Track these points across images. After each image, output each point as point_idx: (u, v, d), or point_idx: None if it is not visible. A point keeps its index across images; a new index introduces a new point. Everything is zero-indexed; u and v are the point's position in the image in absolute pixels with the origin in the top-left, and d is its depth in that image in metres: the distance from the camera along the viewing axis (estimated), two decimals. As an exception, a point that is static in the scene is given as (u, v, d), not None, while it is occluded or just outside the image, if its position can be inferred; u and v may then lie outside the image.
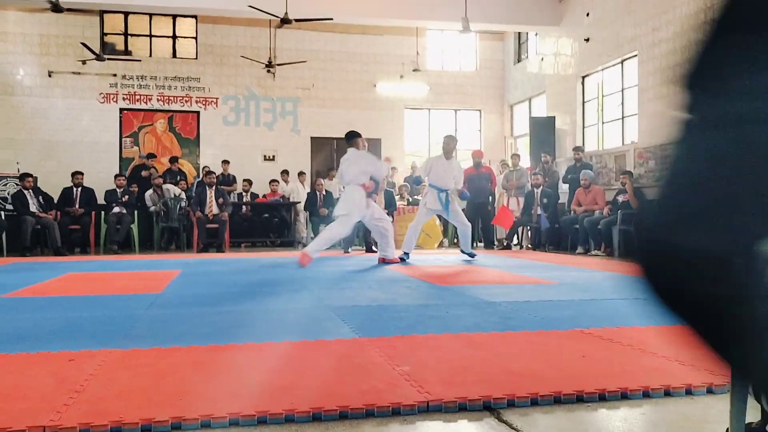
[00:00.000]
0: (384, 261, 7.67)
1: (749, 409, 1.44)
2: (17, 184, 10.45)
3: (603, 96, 11.27)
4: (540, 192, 10.69)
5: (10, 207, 10.36)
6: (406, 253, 8.06)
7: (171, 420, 1.78)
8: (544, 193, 10.68)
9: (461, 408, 1.94)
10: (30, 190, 10.05)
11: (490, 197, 11.67)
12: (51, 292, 4.84)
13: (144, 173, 11.74)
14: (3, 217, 10.10)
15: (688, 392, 2.09)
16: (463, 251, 8.41)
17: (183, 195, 11.36)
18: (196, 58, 13.78)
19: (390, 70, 14.58)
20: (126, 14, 13.48)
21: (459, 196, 8.65)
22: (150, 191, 11.18)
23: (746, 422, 1.47)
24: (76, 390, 2.06)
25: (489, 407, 1.96)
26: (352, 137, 7.67)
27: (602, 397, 2.04)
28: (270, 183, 12.53)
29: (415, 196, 12.48)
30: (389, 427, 1.80)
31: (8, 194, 10.74)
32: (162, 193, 11.18)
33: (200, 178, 12.16)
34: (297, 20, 10.24)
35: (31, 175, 10.28)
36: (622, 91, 10.60)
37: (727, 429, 1.47)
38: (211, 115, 13.83)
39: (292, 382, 2.18)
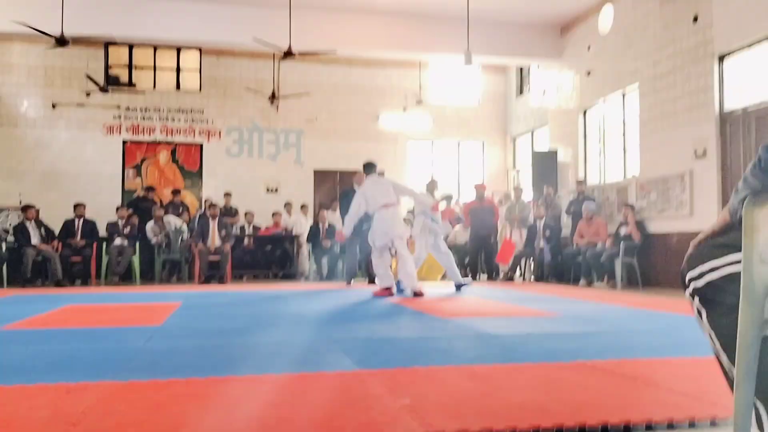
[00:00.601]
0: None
1: (753, 442, 1.42)
2: (19, 216, 10.48)
3: (604, 129, 11.33)
4: (543, 224, 10.70)
5: (11, 239, 10.37)
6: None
7: (167, 452, 1.76)
8: (547, 226, 10.68)
9: (462, 441, 1.92)
10: (32, 222, 10.08)
11: (494, 229, 11.66)
12: (50, 325, 4.82)
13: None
14: (4, 249, 10.11)
15: (692, 425, 2.07)
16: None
17: (184, 227, 11.37)
18: (200, 90, 13.92)
19: (393, 102, 14.70)
20: (131, 47, 13.66)
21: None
22: (151, 223, 11.19)
23: (751, 455, 1.45)
24: (72, 423, 2.04)
25: (490, 440, 1.93)
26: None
27: (605, 430, 2.01)
28: (273, 215, 12.56)
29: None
30: (388, 461, 1.77)
31: (10, 225, 10.77)
32: (163, 224, 11.20)
33: (203, 210, 12.18)
34: (300, 53, 10.36)
35: (33, 207, 10.30)
36: (624, 123, 10.66)
37: (732, 462, 1.44)
38: (214, 147, 13.91)
39: (291, 415, 2.15)
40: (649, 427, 2.04)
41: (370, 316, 5.33)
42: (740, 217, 1.44)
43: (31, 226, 10.01)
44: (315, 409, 2.24)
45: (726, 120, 8.27)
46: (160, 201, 12.12)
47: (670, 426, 2.05)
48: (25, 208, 10.21)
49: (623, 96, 10.61)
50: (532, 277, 11.25)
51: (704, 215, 8.41)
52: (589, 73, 11.37)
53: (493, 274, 11.31)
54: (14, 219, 10.85)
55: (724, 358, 1.56)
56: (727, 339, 1.52)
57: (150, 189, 12.43)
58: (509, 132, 15.16)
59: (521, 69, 14.80)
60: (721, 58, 8.33)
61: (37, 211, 10.48)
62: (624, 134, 10.68)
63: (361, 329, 4.44)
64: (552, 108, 12.84)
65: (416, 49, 12.29)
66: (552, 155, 12.39)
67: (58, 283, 9.67)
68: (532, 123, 13.99)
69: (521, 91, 14.80)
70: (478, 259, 11.54)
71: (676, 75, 9.06)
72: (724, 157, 8.30)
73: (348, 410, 2.21)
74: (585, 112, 11.75)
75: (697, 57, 8.63)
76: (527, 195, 12.65)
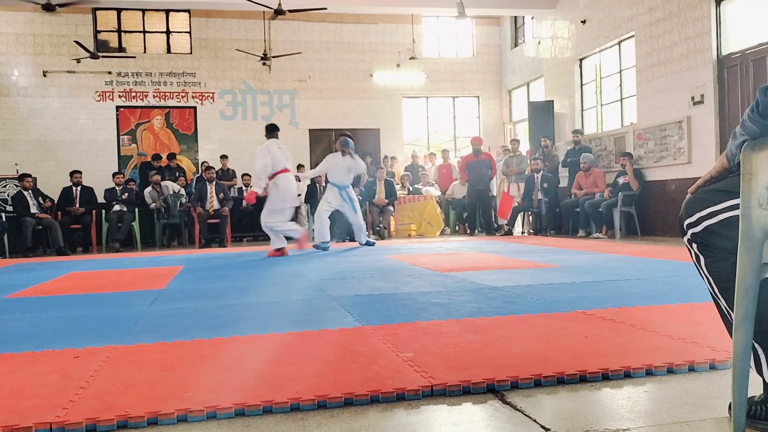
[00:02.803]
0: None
1: (751, 384, 1.44)
2: (17, 185, 10.46)
3: (601, 78, 11.23)
4: (540, 177, 10.68)
5: (10, 208, 10.36)
6: (325, 243, 8.19)
7: (177, 412, 1.79)
8: (545, 178, 10.67)
9: (465, 391, 1.95)
10: (30, 191, 10.06)
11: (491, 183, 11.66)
12: (54, 292, 4.85)
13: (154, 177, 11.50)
14: (4, 219, 10.11)
15: (691, 369, 2.10)
16: (360, 243, 8.86)
17: (182, 191, 11.35)
18: (191, 53, 13.74)
19: (386, 58, 14.53)
20: (119, 11, 13.44)
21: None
22: (149, 188, 11.17)
23: (749, 396, 1.48)
24: (81, 386, 2.07)
25: (493, 390, 1.96)
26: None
27: (605, 377, 2.04)
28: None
29: (416, 185, 12.47)
30: (394, 413, 1.81)
31: (8, 196, 10.75)
32: (161, 189, 11.18)
33: (199, 174, 12.15)
34: (291, 11, 10.19)
35: (30, 176, 10.29)
36: (620, 72, 10.56)
37: (731, 404, 1.47)
38: (208, 110, 13.80)
39: (296, 372, 2.18)
40: (649, 372, 2.08)
41: (370, 273, 5.36)
42: (738, 162, 1.44)
43: (28, 196, 10.00)
44: (319, 365, 2.27)
45: (724, 64, 8.19)
46: (159, 166, 12.08)
47: (670, 371, 2.09)
48: (22, 177, 10.19)
49: (619, 43, 10.49)
50: (531, 229, 11.29)
51: (702, 162, 8.40)
52: (584, 22, 11.22)
53: (491, 228, 11.35)
54: (12, 189, 10.83)
55: (722, 302, 1.58)
56: (725, 284, 1.53)
57: (156, 157, 12.40)
58: (504, 85, 15.02)
59: (515, 20, 14.60)
60: (718, 1, 8.21)
61: (34, 180, 10.46)
62: (621, 82, 10.59)
63: (361, 286, 4.47)
64: (547, 59, 12.70)
65: (408, 3, 12.10)
66: (548, 105, 12.30)
67: (60, 251, 9.70)
68: (528, 75, 13.85)
69: (516, 43, 14.61)
70: (476, 213, 11.57)
71: (673, 21, 8.94)
72: (721, 102, 8.25)
73: (352, 365, 2.24)
74: (581, 62, 11.63)
75: (694, 1, 8.50)
76: (524, 147, 12.61)
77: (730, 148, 1.55)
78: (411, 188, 12.32)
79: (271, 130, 8.10)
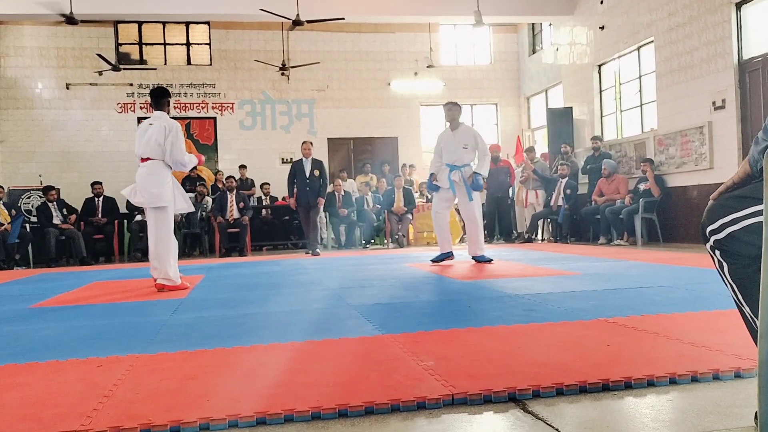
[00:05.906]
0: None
1: (778, 391, 1.42)
2: (41, 197, 10.61)
3: (620, 84, 11.15)
4: (564, 183, 10.57)
5: (34, 219, 10.52)
6: (450, 252, 6.86)
7: (199, 421, 1.80)
8: (568, 185, 10.57)
9: (486, 400, 1.94)
10: (54, 203, 10.21)
11: (510, 191, 11.61)
12: (78, 301, 4.90)
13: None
14: (28, 230, 10.26)
15: (716, 377, 2.07)
16: (473, 257, 6.91)
17: (208, 200, 11.44)
18: (211, 64, 13.87)
19: (404, 67, 14.56)
20: (140, 24, 13.61)
21: (471, 182, 6.71)
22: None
23: (775, 404, 1.46)
24: (105, 395, 2.09)
25: (514, 398, 1.95)
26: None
27: (628, 385, 2.02)
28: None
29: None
30: (415, 422, 1.80)
31: (32, 207, 10.92)
32: (201, 200, 11.27)
33: (218, 181, 12.24)
34: (309, 21, 10.26)
35: (54, 188, 10.44)
36: (640, 78, 10.49)
37: (756, 412, 1.45)
38: (227, 121, 13.92)
39: (317, 380, 2.19)
40: (672, 381, 2.05)
41: (390, 281, 5.36)
42: (761, 168, 1.43)
43: (53, 207, 10.15)
44: (340, 373, 2.27)
45: (745, 68, 8.11)
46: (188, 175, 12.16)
47: (694, 379, 2.06)
48: (47, 190, 10.34)
49: (638, 49, 10.42)
50: (551, 237, 11.22)
51: (724, 168, 8.30)
52: (602, 28, 11.16)
53: (510, 236, 11.30)
54: (36, 200, 10.99)
55: (747, 309, 1.56)
56: (749, 291, 1.52)
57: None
58: (523, 91, 14.98)
59: (533, 27, 14.57)
60: (739, 5, 8.13)
61: (58, 191, 10.62)
62: (640, 88, 10.52)
63: (380, 295, 4.47)
64: (566, 65, 12.65)
65: (425, 12, 12.11)
66: (567, 112, 12.24)
67: (83, 261, 9.81)
68: (546, 82, 13.80)
69: (534, 50, 14.58)
70: (494, 221, 11.52)
71: (693, 25, 8.87)
72: (743, 107, 8.16)
73: (372, 374, 2.24)
74: (600, 68, 11.57)
75: (714, 6, 8.43)
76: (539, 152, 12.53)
77: (753, 154, 1.53)
78: (429, 196, 12.31)
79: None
